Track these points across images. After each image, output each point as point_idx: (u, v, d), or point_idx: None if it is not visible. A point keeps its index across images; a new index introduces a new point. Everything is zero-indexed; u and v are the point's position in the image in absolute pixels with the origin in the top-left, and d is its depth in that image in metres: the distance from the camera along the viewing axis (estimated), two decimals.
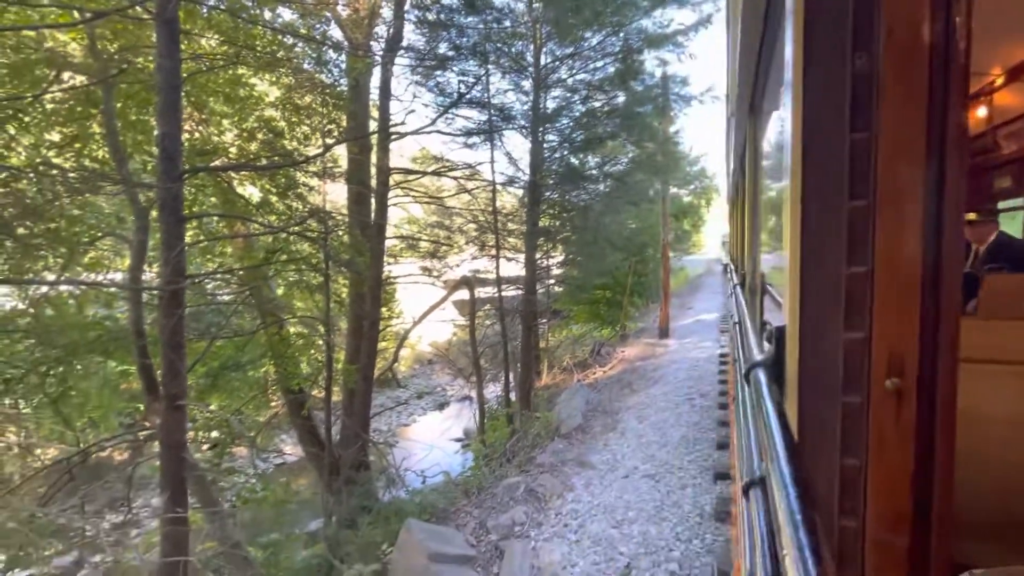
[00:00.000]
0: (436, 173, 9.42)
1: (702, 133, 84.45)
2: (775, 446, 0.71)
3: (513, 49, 10.83)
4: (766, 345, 1.08)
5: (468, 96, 8.07)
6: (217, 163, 6.74)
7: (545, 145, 13.81)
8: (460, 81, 8.44)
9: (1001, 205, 4.55)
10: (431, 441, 20.67)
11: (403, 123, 8.17)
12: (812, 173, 0.78)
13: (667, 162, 13.34)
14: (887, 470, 0.75)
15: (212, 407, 8.78)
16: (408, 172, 8.90)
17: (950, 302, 0.73)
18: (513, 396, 14.41)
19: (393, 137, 7.72)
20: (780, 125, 1.09)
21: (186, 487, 4.83)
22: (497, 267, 12.63)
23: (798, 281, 0.81)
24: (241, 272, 7.08)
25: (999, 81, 3.24)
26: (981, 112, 3.59)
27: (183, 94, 8.29)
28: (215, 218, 8.54)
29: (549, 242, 14.89)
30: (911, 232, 0.72)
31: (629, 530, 4.28)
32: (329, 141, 8.74)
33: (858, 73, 0.71)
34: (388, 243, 12.82)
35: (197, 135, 8.78)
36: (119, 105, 6.60)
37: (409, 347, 27.91)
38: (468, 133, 8.43)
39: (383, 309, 13.77)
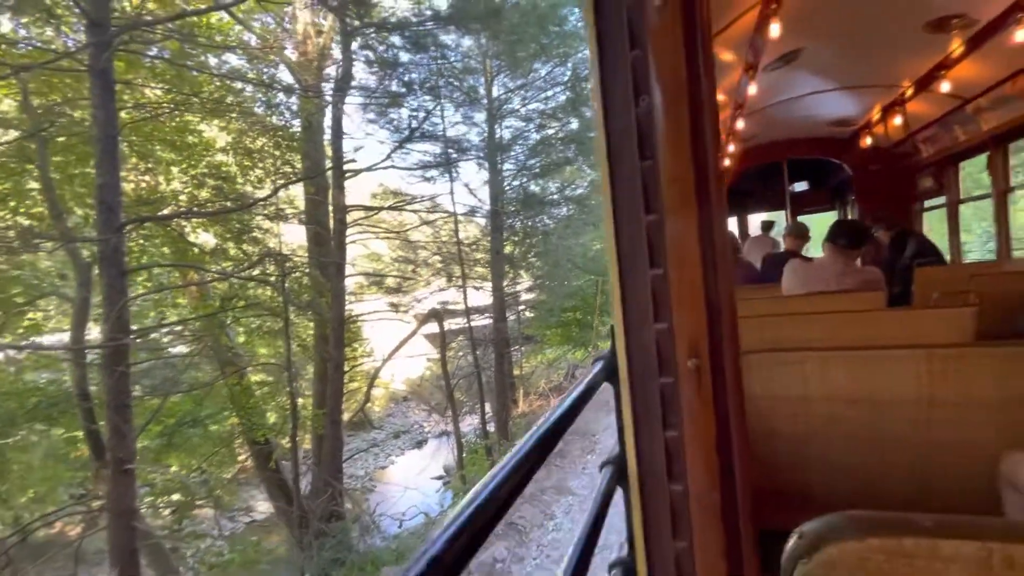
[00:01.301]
0: (393, 208, 9.38)
1: None
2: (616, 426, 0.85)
3: (465, 83, 11.08)
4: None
5: (421, 130, 8.15)
6: (164, 212, 6.50)
7: (504, 173, 14.04)
8: (411, 116, 8.53)
9: (927, 204, 4.81)
10: (410, 482, 19.97)
11: (354, 160, 8.13)
12: (618, 192, 0.90)
13: None
14: (699, 438, 0.87)
15: (172, 467, 8.29)
16: (366, 209, 8.83)
17: (726, 293, 0.87)
18: (492, 427, 14.18)
19: (347, 175, 7.67)
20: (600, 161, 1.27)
21: (138, 559, 4.47)
22: (465, 297, 12.57)
23: (618, 284, 0.92)
24: (195, 322, 6.78)
25: (909, 92, 3.50)
26: (898, 121, 3.85)
27: (126, 144, 8.15)
28: (167, 269, 8.25)
29: (515, 268, 14.96)
30: (690, 238, 0.85)
31: (610, 556, 4.16)
32: (280, 182, 8.64)
33: (642, 112, 0.86)
34: (352, 281, 12.65)
35: (144, 185, 8.55)
36: (57, 159, 6.38)
37: (382, 386, 27.11)
38: (424, 166, 8.50)
39: (349, 349, 13.47)
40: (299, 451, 11.52)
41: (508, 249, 15.23)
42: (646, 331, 0.90)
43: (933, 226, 5.04)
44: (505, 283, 15.77)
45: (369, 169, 8.34)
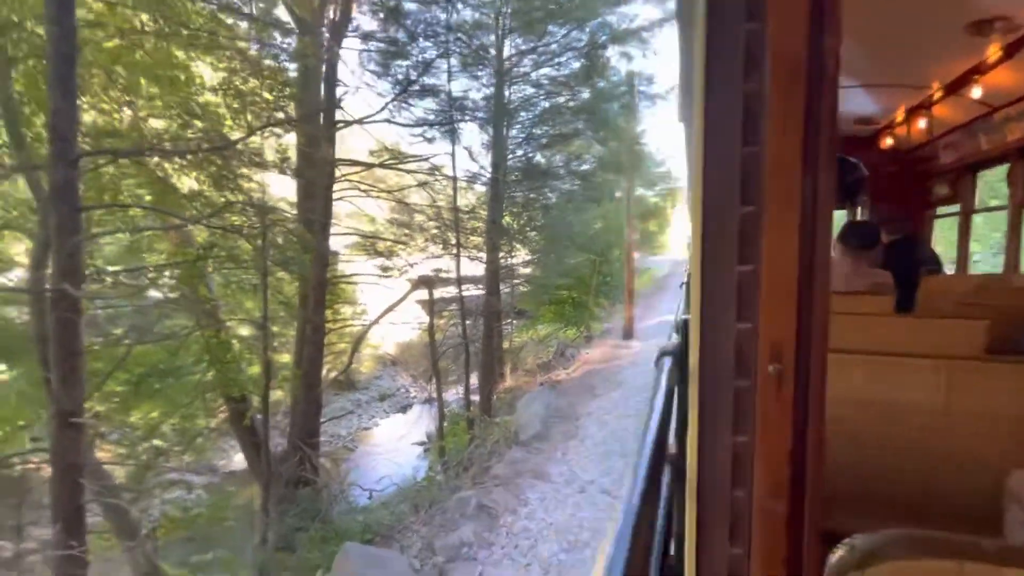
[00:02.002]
0: (386, 165, 8.80)
1: (667, 135, 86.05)
2: (678, 423, 0.88)
3: (475, 40, 10.44)
4: (675, 336, 1.24)
5: (422, 84, 7.57)
6: (127, 147, 6.03)
7: (509, 141, 13.48)
8: (412, 68, 7.93)
9: (940, 211, 4.75)
10: (392, 446, 19.99)
11: (342, 109, 7.56)
12: (711, 180, 0.87)
13: (633, 161, 13.21)
14: (770, 446, 0.84)
15: (137, 419, 8.03)
16: (355, 164, 8.33)
17: (821, 297, 0.82)
18: (476, 399, 14.06)
19: (339, 125, 7.16)
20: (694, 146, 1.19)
21: (83, 516, 4.22)
22: (458, 266, 12.19)
23: (699, 277, 0.89)
24: (170, 270, 6.40)
25: (938, 95, 3.43)
26: (922, 124, 3.76)
27: (105, 74, 7.61)
28: (146, 212, 7.81)
29: (512, 241, 14.56)
30: (790, 234, 0.81)
31: (581, 555, 3.95)
32: (258, 124, 8.11)
33: (749, 94, 0.81)
34: (343, 241, 12.20)
35: (123, 120, 8.02)
36: (23, 81, 5.87)
37: (371, 348, 27.05)
38: (422, 124, 7.93)
39: (331, 311, 13.15)
40: (276, 411, 11.32)
41: (506, 220, 14.80)
42: (726, 330, 0.87)
43: (944, 234, 5.06)
44: (501, 255, 15.41)
45: (361, 121, 7.81)
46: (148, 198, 8.12)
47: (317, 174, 6.67)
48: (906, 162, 4.60)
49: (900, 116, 4.07)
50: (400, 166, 10.85)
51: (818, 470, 0.85)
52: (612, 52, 11.88)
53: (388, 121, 8.19)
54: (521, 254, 17.58)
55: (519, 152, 13.55)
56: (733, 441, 0.86)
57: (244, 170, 7.26)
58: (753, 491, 0.85)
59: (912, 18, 2.48)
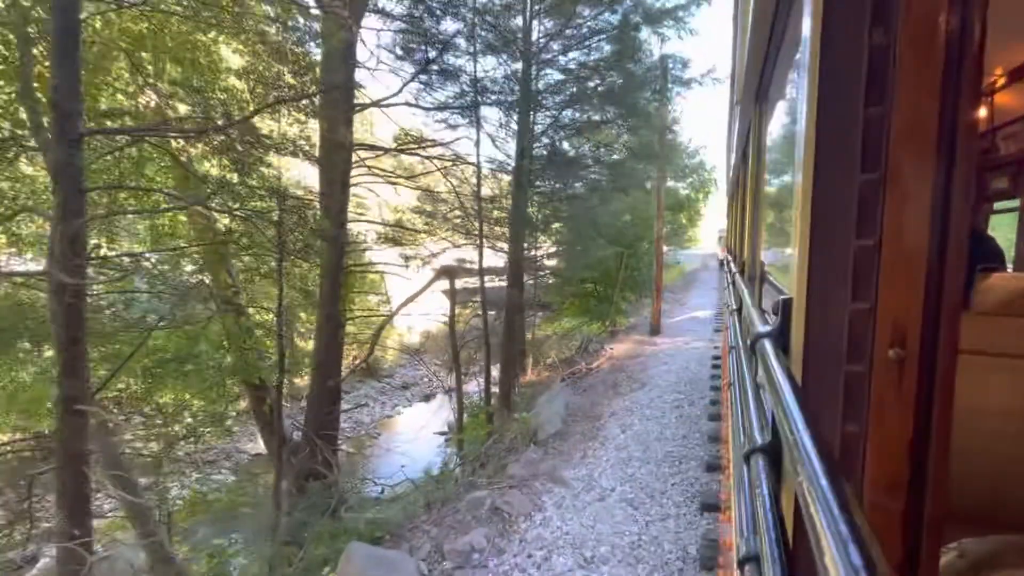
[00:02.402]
0: (401, 150, 8.50)
1: (701, 124, 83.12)
2: (790, 410, 0.67)
3: (502, 21, 10.05)
4: (771, 319, 1.13)
5: (444, 64, 7.24)
6: (134, 125, 5.92)
7: (536, 128, 13.07)
8: (432, 47, 7.59)
9: (997, 206, 4.58)
10: (413, 435, 20.08)
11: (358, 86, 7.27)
12: (825, 145, 0.79)
13: (664, 151, 12.65)
14: (885, 437, 0.76)
15: (163, 400, 8.08)
16: (373, 148, 8.10)
17: (954, 276, 0.74)
18: (496, 392, 13.86)
19: (356, 108, 6.93)
20: (791, 106, 1.12)
21: (89, 505, 4.15)
22: (480, 256, 11.93)
23: (807, 253, 0.82)
24: (184, 254, 6.32)
25: (1000, 82, 3.26)
26: (982, 112, 3.54)
27: (125, 55, 7.58)
28: (166, 198, 7.79)
29: (536, 231, 14.20)
30: (919, 207, 0.72)
31: (598, 572, 3.65)
32: (297, 115, 7.97)
33: (875, 47, 0.72)
34: (364, 228, 12.08)
35: (147, 104, 8.01)
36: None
37: (398, 336, 27.22)
38: (443, 108, 7.60)
39: (359, 300, 13.10)
40: (299, 399, 11.32)
41: (531, 210, 14.45)
42: (838, 310, 0.77)
43: (1002, 229, 4.87)
44: (525, 246, 15.09)
45: (379, 104, 7.54)
46: (171, 182, 8.14)
47: (336, 159, 6.46)
48: None
49: None
50: (422, 152, 10.61)
51: (943, 467, 0.77)
52: (645, 33, 11.31)
53: (409, 104, 7.91)
54: (545, 245, 17.23)
55: (545, 140, 13.15)
56: (842, 430, 0.78)
57: (262, 154, 7.12)
58: (864, 486, 0.77)
59: None
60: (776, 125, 1.91)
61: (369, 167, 8.19)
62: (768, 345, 0.95)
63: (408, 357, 29.03)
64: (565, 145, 13.50)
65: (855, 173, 0.73)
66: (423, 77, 7.51)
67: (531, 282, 15.49)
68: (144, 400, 7.38)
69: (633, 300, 17.26)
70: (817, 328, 0.82)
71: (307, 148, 7.24)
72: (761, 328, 1.05)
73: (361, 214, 10.66)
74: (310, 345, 10.67)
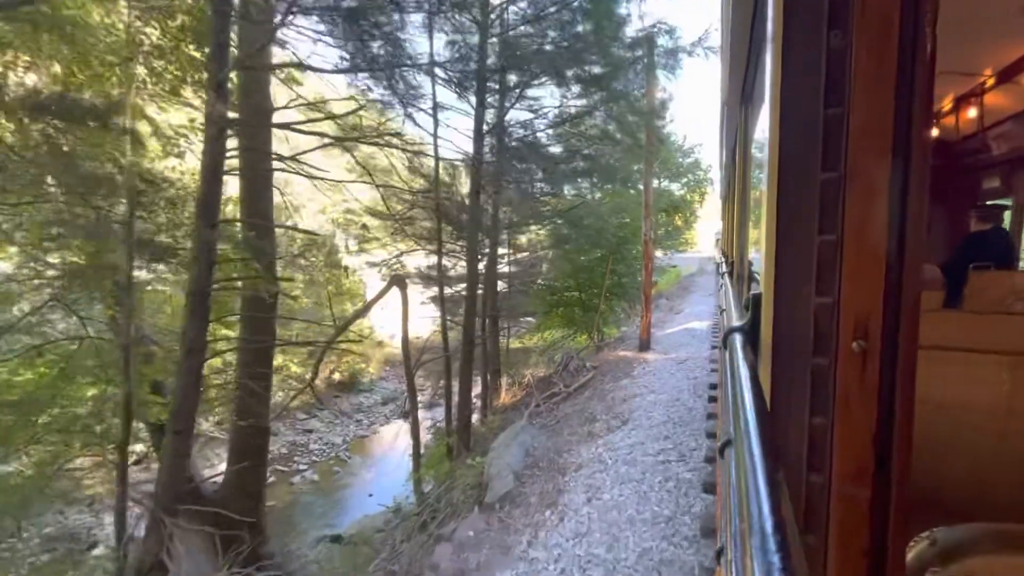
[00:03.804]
0: (284, 127, 6.67)
1: (696, 122, 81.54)
2: (744, 407, 0.72)
3: None
4: (745, 314, 1.14)
5: (377, 25, 5.52)
6: None
7: (506, 120, 11.46)
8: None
9: (989, 204, 4.37)
10: (388, 458, 18.34)
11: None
12: (788, 145, 0.82)
13: (653, 141, 11.03)
14: (851, 427, 0.79)
15: None
16: (244, 124, 6.35)
17: (913, 268, 0.77)
18: (475, 416, 12.21)
19: (230, 69, 5.26)
20: (767, 109, 1.08)
21: None
22: (439, 262, 10.30)
23: (773, 249, 0.85)
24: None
25: (990, 83, 3.26)
26: (972, 113, 3.58)
27: None
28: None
29: (511, 234, 12.59)
30: (878, 203, 0.75)
31: None
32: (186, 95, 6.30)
33: (833, 49, 0.75)
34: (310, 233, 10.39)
35: None
36: None
37: (380, 346, 25.63)
38: (347, 71, 5.79)
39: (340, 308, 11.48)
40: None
41: (505, 210, 12.81)
42: (803, 304, 0.81)
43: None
44: (500, 251, 13.45)
45: (247, 68, 5.73)
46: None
47: (210, 135, 4.81)
48: (954, 154, 4.26)
49: (948, 105, 3.78)
50: (368, 142, 8.97)
51: (906, 456, 0.78)
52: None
53: (297, 65, 6.19)
54: (527, 250, 15.61)
55: (518, 132, 11.56)
56: (809, 423, 0.80)
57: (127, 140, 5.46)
58: (832, 476, 0.78)
59: (964, 1, 2.26)
60: (759, 125, 1.97)
61: (288, 160, 6.45)
62: (738, 339, 0.98)
63: (391, 368, 27.44)
64: (542, 138, 11.89)
65: (817, 172, 0.77)
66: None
67: (505, 289, 13.85)
68: None
69: (620, 310, 15.57)
70: (784, 322, 0.83)
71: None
72: (735, 323, 1.04)
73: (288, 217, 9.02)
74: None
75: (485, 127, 9.37)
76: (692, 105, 80.00)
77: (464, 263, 12.49)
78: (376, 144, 9.37)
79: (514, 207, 12.32)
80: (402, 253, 11.21)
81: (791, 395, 0.82)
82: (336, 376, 27.28)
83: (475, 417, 13.22)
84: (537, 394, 10.69)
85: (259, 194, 7.50)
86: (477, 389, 12.96)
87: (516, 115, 13.37)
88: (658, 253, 31.25)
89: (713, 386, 6.99)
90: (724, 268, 4.27)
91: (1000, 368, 1.66)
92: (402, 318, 9.72)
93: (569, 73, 9.10)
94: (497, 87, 9.63)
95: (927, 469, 1.65)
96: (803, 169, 0.78)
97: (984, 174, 4.16)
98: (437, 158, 9.69)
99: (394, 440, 18.07)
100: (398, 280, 9.41)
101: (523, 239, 15.36)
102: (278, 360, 21.17)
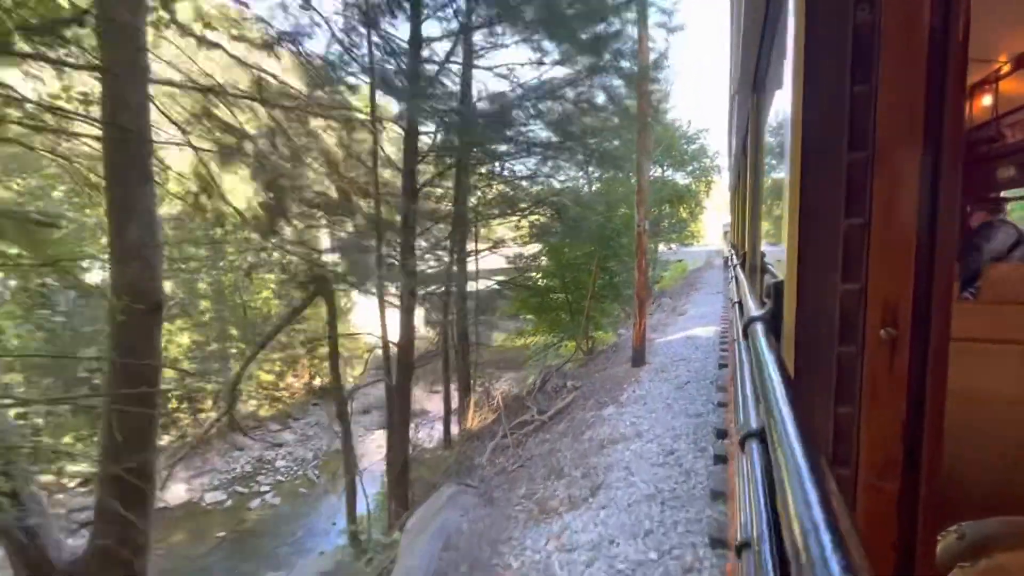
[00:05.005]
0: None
1: (702, 106, 78.21)
2: (775, 394, 0.65)
3: None
4: (764, 304, 1.13)
5: None
6: None
7: (472, 88, 9.44)
8: None
9: (1004, 195, 4.12)
10: (363, 472, 16.47)
11: None
12: (812, 124, 0.78)
13: (644, 108, 8.94)
14: (879, 418, 0.76)
15: None
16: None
17: (945, 252, 0.73)
18: (436, 437, 10.30)
19: None
20: (788, 91, 1.02)
21: None
22: (379, 252, 8.27)
23: (796, 234, 0.81)
24: None
25: (1005, 69, 3.22)
26: (986, 101, 3.51)
27: None
28: None
29: (483, 225, 10.59)
30: (909, 184, 0.72)
31: None
32: None
33: (860, 25, 0.72)
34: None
35: None
36: None
37: (366, 351, 23.94)
38: None
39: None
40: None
41: (474, 200, 10.81)
42: (828, 291, 0.78)
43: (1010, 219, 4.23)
44: (470, 247, 11.45)
45: None
46: None
47: None
48: (966, 144, 3.88)
49: None
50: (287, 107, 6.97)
51: (938, 447, 0.76)
52: None
53: None
54: (507, 244, 13.60)
55: (489, 105, 9.55)
56: (835, 413, 0.78)
57: None
58: (859, 468, 0.75)
59: None
60: (772, 113, 1.98)
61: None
62: (759, 328, 0.92)
63: (377, 372, 25.57)
64: (519, 115, 9.86)
65: (843, 152, 0.74)
66: None
67: (474, 289, 11.84)
68: None
69: (612, 312, 13.47)
70: (808, 310, 0.80)
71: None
72: (754, 312, 1.01)
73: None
74: None
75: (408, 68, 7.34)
76: (697, 89, 76.97)
77: (433, 260, 10.56)
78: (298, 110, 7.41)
79: (482, 193, 10.32)
80: (333, 249, 9.18)
81: (815, 385, 0.78)
82: (316, 381, 25.60)
83: (438, 437, 11.29)
84: (506, 422, 8.71)
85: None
86: (444, 404, 11.01)
87: (485, 82, 11.35)
88: (662, 247, 29.08)
89: (721, 432, 4.97)
90: (735, 260, 4.00)
91: (1020, 359, 1.60)
92: (330, 323, 7.73)
93: (531, 15, 7.00)
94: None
95: (949, 461, 1.24)
96: (828, 150, 0.74)
97: (999, 163, 3.94)
98: (375, 119, 7.67)
99: (374, 453, 16.34)
100: (317, 279, 7.40)
101: (502, 232, 13.37)
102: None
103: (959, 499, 1.44)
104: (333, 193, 8.10)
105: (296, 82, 7.66)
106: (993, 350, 1.66)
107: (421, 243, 11.27)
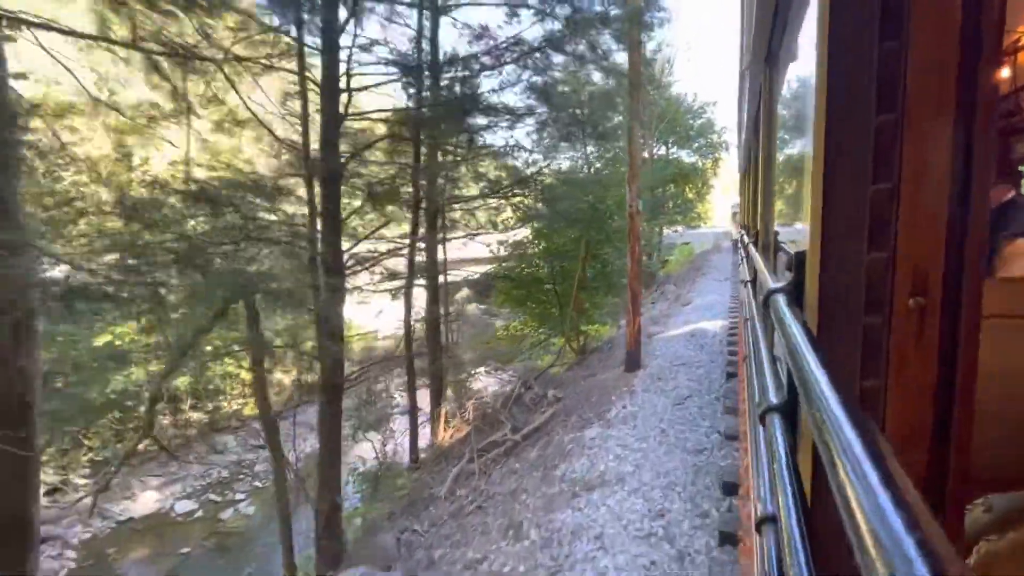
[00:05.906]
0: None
1: (709, 77, 74.96)
2: (805, 359, 0.57)
3: None
4: (784, 275, 1.06)
5: None
6: None
7: (441, 56, 7.98)
8: None
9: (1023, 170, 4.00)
10: (348, 477, 15.28)
11: None
12: (837, 83, 0.72)
13: (635, 65, 7.40)
14: (907, 389, 0.73)
15: None
16: None
17: (978, 218, 0.69)
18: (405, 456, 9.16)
19: None
20: (803, 63, 1.01)
21: None
22: (315, 234, 6.87)
23: (820, 200, 0.76)
24: None
25: None
26: (1005, 73, 3.32)
27: None
28: None
29: (436, 209, 9.14)
30: (940, 147, 0.68)
31: None
32: None
33: None
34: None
35: None
36: None
37: (363, 341, 22.98)
38: None
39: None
40: None
41: (440, 181, 9.37)
42: (853, 259, 0.73)
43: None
44: (440, 235, 10.06)
45: None
46: None
47: None
48: None
49: None
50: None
51: (968, 418, 0.72)
52: None
53: None
54: (490, 230, 12.19)
55: (461, 72, 8.09)
56: (861, 385, 0.73)
57: None
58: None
59: None
60: (787, 86, 1.84)
61: None
62: (781, 300, 0.86)
63: (376, 366, 24.59)
64: (496, 84, 8.36)
65: (871, 113, 0.69)
66: None
67: (463, 278, 10.47)
68: None
69: (605, 305, 12.00)
70: (832, 280, 0.76)
71: None
72: (773, 284, 0.94)
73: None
74: None
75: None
76: (703, 62, 73.67)
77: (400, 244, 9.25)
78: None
79: (448, 172, 8.87)
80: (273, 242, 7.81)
81: (840, 357, 0.73)
82: (309, 378, 24.53)
83: (407, 454, 10.03)
84: (475, 441, 7.38)
85: None
86: (411, 417, 9.75)
87: (450, 43, 9.85)
88: (668, 230, 27.45)
89: (731, 488, 3.59)
90: (746, 240, 3.67)
91: None
92: (254, 331, 6.40)
93: None
94: None
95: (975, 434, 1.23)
96: (855, 111, 0.69)
97: (1018, 138, 3.69)
98: (304, 73, 6.24)
99: (364, 454, 15.24)
100: (234, 284, 6.03)
101: (482, 216, 11.91)
102: (230, 367, 18.26)
103: (979, 476, 1.27)
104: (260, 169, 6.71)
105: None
106: (1018, 325, 1.53)
107: (385, 233, 9.95)
